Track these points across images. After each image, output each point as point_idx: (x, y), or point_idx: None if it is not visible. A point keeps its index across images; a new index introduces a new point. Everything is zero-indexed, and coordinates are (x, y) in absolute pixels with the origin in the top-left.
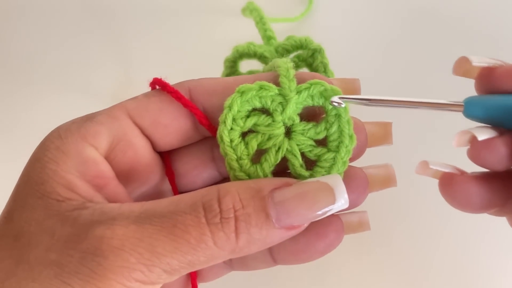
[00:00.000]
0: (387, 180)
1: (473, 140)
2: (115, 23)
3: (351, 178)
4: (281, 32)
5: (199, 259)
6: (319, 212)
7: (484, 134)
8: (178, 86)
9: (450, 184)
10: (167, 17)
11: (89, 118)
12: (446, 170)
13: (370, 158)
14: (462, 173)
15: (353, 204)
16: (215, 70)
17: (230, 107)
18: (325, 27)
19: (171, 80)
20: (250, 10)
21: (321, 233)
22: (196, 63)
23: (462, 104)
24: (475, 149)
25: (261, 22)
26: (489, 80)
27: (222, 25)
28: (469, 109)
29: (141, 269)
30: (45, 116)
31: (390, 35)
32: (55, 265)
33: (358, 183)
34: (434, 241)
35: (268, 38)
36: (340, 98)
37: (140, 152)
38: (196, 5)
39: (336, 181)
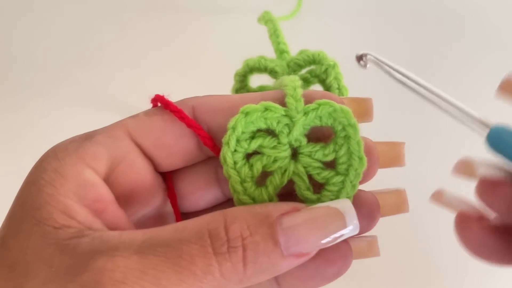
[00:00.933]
0: (399, 205)
1: (477, 175)
2: (119, 26)
3: (361, 202)
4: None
5: None
6: (329, 239)
7: (488, 169)
8: (182, 104)
9: (464, 228)
10: (172, 18)
11: (88, 137)
12: (461, 208)
13: (382, 180)
14: (480, 216)
15: (363, 229)
16: (223, 74)
17: (233, 128)
18: (316, 26)
19: (177, 89)
20: (265, 21)
21: (329, 259)
22: (204, 67)
23: (488, 127)
24: (480, 187)
25: (275, 35)
26: None
27: (232, 27)
28: (494, 137)
29: None
30: (48, 126)
31: (383, 34)
32: None
33: (369, 208)
34: (448, 272)
35: (281, 51)
36: (374, 57)
37: (142, 174)
38: (204, 6)
39: (346, 206)
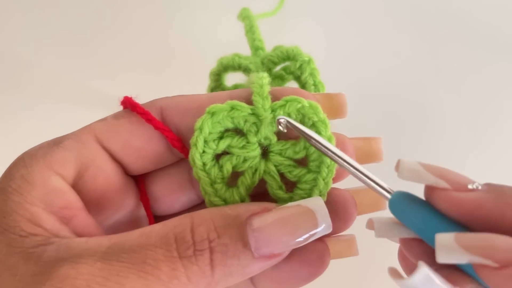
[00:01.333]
0: (375, 203)
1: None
2: (103, 24)
3: (336, 201)
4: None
5: None
6: (301, 239)
7: (387, 230)
8: (149, 106)
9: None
10: (157, 13)
11: (56, 143)
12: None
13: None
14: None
15: (340, 228)
16: (206, 69)
17: (200, 129)
18: (298, 24)
19: (162, 88)
20: (242, 18)
21: (304, 260)
22: (186, 63)
23: (388, 196)
24: (400, 250)
25: (250, 31)
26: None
27: (214, 23)
28: (393, 206)
29: None
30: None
31: (367, 31)
32: None
33: (345, 206)
34: None
35: (256, 48)
36: (288, 121)
37: (111, 178)
38: (187, 3)
39: (317, 204)
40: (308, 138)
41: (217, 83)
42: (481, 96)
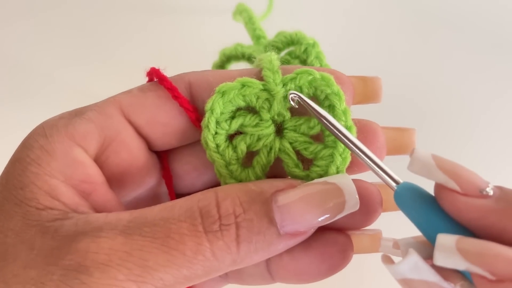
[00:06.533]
0: None
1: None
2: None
3: (361, 194)
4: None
5: (196, 272)
6: (327, 216)
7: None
8: (178, 80)
9: None
10: (155, 16)
11: (78, 114)
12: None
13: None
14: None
15: (363, 223)
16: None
17: (212, 110)
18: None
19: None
20: (240, 12)
21: (325, 252)
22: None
23: (395, 186)
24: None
25: (250, 22)
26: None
27: (212, 25)
28: (399, 197)
29: (131, 287)
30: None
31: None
32: (34, 284)
33: (370, 201)
34: None
35: (257, 37)
36: (299, 97)
37: (135, 153)
38: (184, 5)
39: (345, 180)
40: (318, 115)
41: None
42: (481, 96)
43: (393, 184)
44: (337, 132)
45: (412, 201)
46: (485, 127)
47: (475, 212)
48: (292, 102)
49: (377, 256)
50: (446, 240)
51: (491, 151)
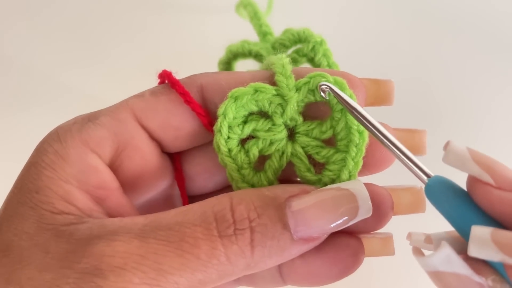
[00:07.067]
0: (414, 205)
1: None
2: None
3: (372, 198)
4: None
5: (210, 276)
6: (340, 221)
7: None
8: (189, 83)
9: None
10: (158, 15)
11: (91, 119)
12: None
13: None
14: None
15: (374, 227)
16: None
17: (224, 115)
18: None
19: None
20: (244, 6)
21: (337, 256)
22: (188, 64)
23: (427, 179)
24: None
25: (255, 18)
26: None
27: (216, 23)
28: (430, 190)
29: None
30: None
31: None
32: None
33: (381, 204)
34: None
35: (264, 34)
36: (330, 88)
37: (148, 158)
38: (186, 3)
39: (358, 187)
40: (349, 108)
41: None
42: (483, 95)
43: (424, 177)
44: (369, 125)
45: (444, 194)
46: (488, 127)
47: (508, 206)
48: (322, 94)
49: (387, 259)
50: (481, 232)
51: (492, 152)
